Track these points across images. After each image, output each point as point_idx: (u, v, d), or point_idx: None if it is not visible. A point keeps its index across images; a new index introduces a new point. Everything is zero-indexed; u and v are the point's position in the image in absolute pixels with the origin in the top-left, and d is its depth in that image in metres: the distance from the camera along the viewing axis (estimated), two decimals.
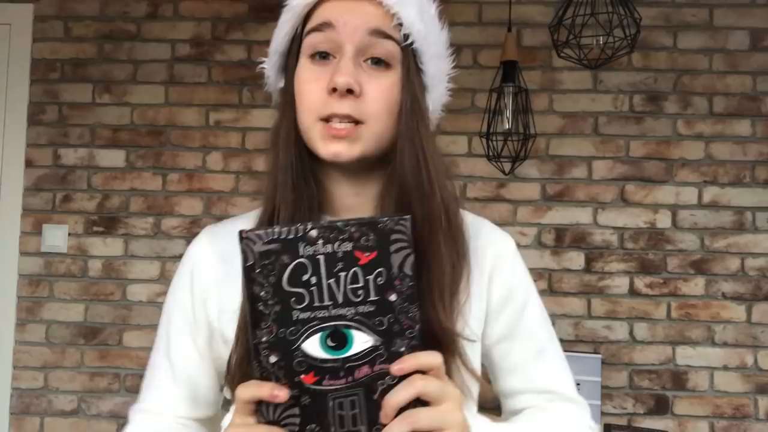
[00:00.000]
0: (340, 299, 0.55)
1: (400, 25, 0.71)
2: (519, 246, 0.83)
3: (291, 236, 0.55)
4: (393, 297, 0.56)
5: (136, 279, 2.40)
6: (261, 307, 0.55)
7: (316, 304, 0.55)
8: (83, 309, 2.39)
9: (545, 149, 2.38)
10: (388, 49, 0.71)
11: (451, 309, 0.70)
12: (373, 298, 0.56)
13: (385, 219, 0.55)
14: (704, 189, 2.35)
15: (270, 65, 0.79)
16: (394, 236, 0.55)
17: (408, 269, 0.56)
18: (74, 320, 2.39)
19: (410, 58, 0.72)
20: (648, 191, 2.36)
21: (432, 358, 0.57)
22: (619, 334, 2.32)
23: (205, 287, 0.78)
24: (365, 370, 0.56)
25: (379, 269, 0.55)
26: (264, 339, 0.56)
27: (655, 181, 2.36)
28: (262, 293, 0.55)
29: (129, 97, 2.45)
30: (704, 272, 2.33)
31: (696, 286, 2.33)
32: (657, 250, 2.34)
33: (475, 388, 0.74)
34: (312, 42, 0.72)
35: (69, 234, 2.41)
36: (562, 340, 2.17)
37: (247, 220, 0.78)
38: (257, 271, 0.55)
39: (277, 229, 0.55)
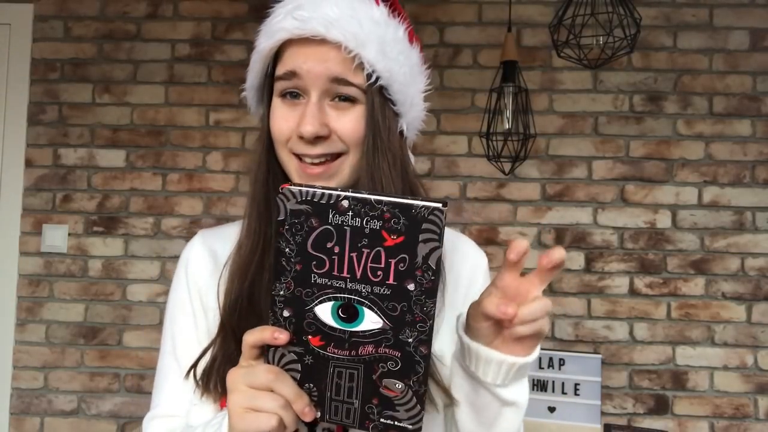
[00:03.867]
0: (359, 274, 0.55)
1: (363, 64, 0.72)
2: None
3: (323, 201, 0.55)
4: (411, 286, 0.55)
5: (136, 279, 2.40)
6: (284, 262, 0.57)
7: (335, 273, 0.56)
8: (83, 309, 2.39)
9: (545, 149, 2.38)
10: (351, 92, 0.73)
11: None
12: (391, 282, 0.55)
13: (420, 205, 0.53)
14: (704, 189, 2.35)
15: (249, 96, 0.83)
16: (425, 225, 0.54)
17: (432, 262, 0.54)
18: (74, 320, 2.39)
19: (374, 95, 0.74)
20: (648, 191, 2.36)
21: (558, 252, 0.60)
22: (619, 334, 2.32)
23: (200, 283, 0.81)
24: (369, 348, 0.57)
25: (403, 255, 0.54)
26: (281, 293, 0.58)
27: (655, 181, 2.36)
28: (287, 250, 0.56)
29: (129, 97, 2.45)
30: (704, 272, 2.33)
31: (696, 286, 2.33)
32: (657, 250, 2.34)
33: (441, 400, 0.74)
34: (281, 86, 0.76)
35: (69, 234, 2.41)
36: (562, 340, 2.16)
37: (237, 228, 0.81)
38: (286, 227, 0.56)
39: (311, 190, 0.55)
